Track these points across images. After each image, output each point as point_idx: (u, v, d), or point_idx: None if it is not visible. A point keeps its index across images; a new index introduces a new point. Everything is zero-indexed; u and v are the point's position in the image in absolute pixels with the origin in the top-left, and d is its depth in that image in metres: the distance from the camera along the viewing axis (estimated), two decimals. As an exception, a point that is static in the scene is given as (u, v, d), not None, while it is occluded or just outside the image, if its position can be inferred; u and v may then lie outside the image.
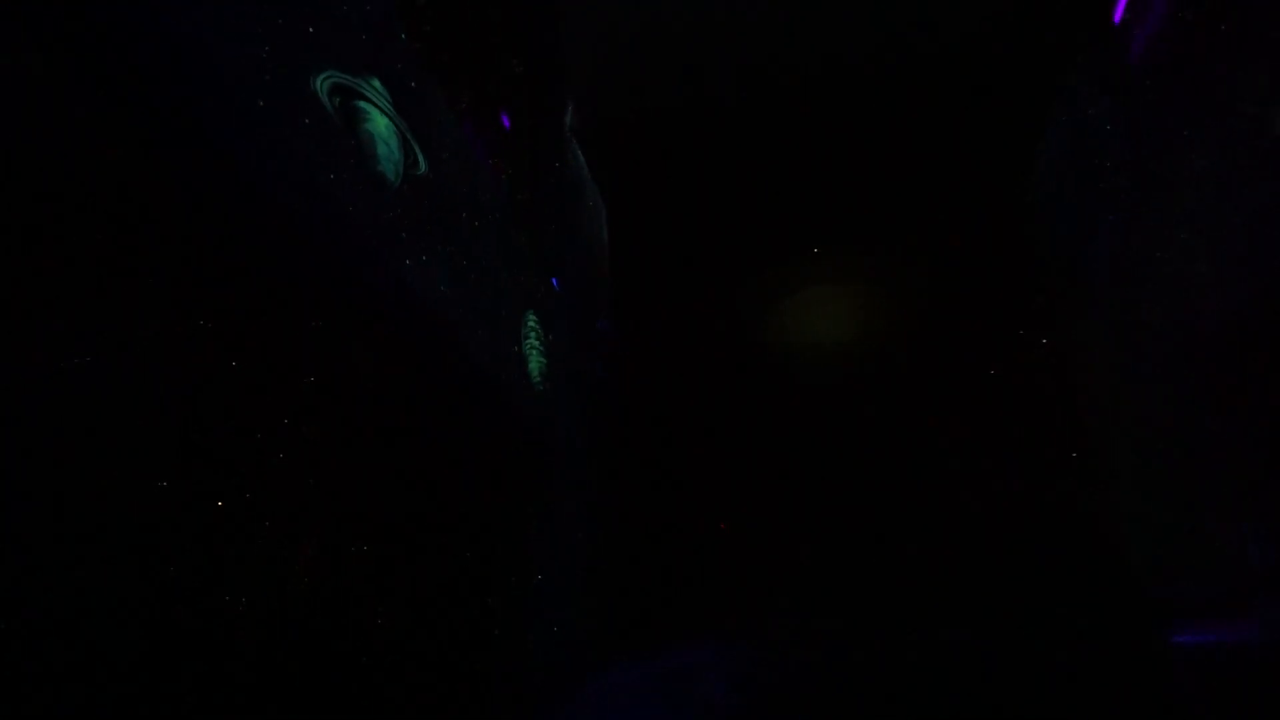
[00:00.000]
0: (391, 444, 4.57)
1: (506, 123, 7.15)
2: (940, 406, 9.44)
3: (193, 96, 2.94)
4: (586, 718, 5.46)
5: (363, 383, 4.36)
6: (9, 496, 2.20)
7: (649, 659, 6.12)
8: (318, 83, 3.70)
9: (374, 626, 4.11)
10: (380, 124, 4.31)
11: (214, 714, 2.82)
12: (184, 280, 3.09)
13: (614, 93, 8.23)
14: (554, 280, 7.27)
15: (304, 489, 3.71)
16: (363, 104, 4.13)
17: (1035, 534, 9.20)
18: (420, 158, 4.68)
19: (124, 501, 2.58)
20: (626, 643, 7.51)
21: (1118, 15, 7.44)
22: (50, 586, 2.27)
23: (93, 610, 2.37)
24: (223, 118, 3.07)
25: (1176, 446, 6.61)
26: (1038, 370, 9.37)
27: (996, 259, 9.26)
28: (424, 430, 4.76)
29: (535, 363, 6.51)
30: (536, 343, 6.58)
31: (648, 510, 8.58)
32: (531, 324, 6.55)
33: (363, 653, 3.98)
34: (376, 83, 4.28)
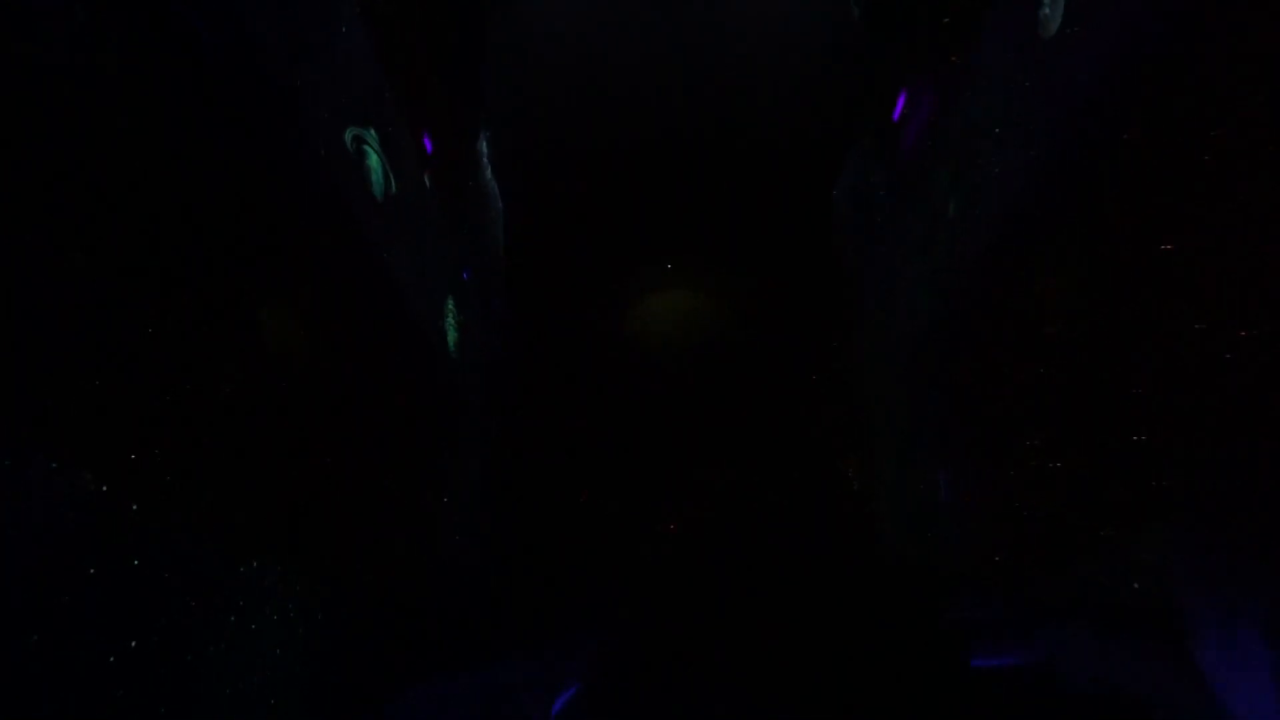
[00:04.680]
0: (360, 386, 6.46)
1: (429, 145, 9.05)
2: (757, 395, 12.01)
3: (284, 140, 4.82)
4: None
5: (346, 339, 6.25)
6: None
7: (469, 671, 5.98)
8: (346, 134, 5.61)
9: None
10: (374, 159, 6.22)
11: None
12: (250, 256, 4.93)
13: (519, 125, 10.34)
14: (465, 272, 9.25)
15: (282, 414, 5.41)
16: (366, 146, 6.03)
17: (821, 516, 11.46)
18: (393, 182, 6.61)
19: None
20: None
21: (896, 115, 10.19)
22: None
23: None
24: (304, 156, 4.97)
25: (909, 420, 9.32)
26: (839, 371, 12.08)
27: (810, 280, 11.93)
28: (385, 376, 6.70)
29: (452, 336, 8.48)
30: (453, 321, 8.55)
31: (528, 459, 10.71)
32: (450, 306, 8.52)
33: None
34: (372, 131, 6.19)
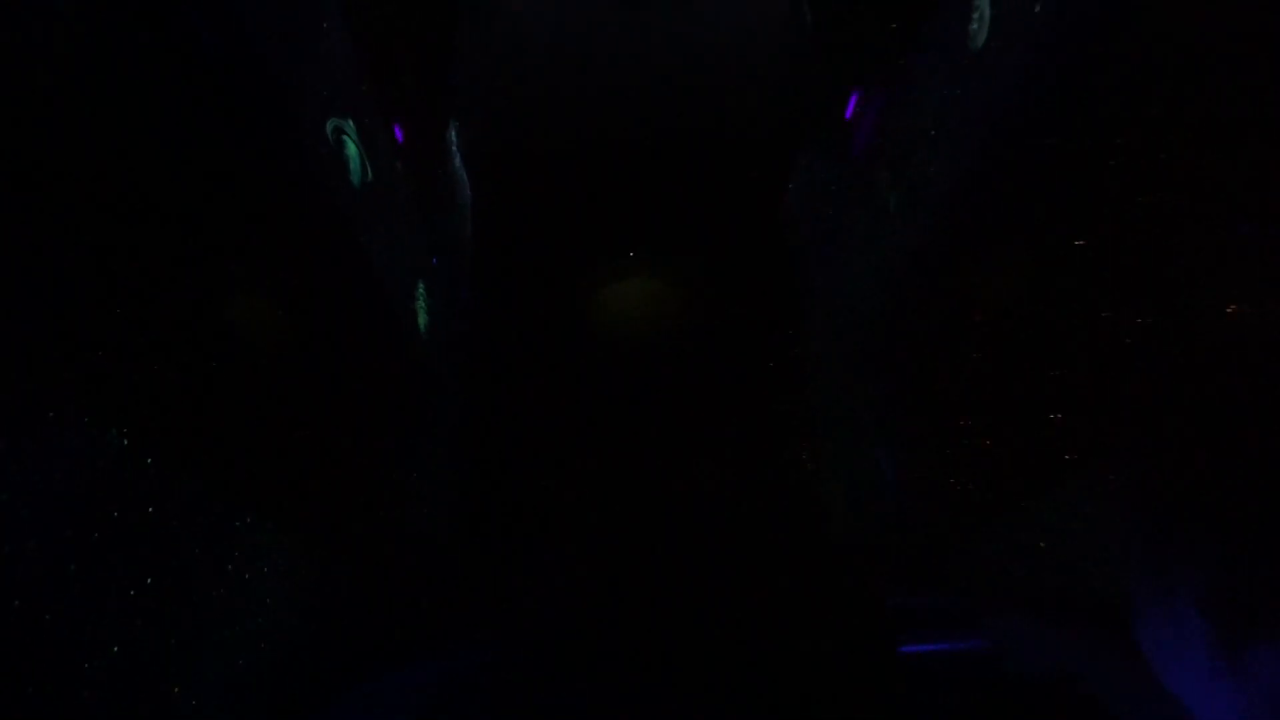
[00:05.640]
0: (339, 364, 6.81)
1: (399, 134, 9.36)
2: (715, 380, 12.49)
3: (268, 129, 5.14)
4: None
5: (326, 319, 6.60)
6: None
7: (415, 665, 5.91)
8: (328, 125, 5.94)
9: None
10: (351, 149, 6.55)
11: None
12: (230, 243, 5.27)
13: (487, 115, 10.69)
14: (434, 259, 9.59)
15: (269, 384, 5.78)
16: (345, 137, 6.36)
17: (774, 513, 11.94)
18: (370, 171, 6.94)
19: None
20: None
21: (848, 114, 10.72)
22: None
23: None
24: (287, 144, 5.30)
25: (855, 408, 9.89)
26: (793, 358, 12.60)
27: (766, 271, 12.43)
28: (362, 352, 7.06)
29: (422, 319, 8.83)
30: (423, 305, 8.90)
31: (492, 441, 11.09)
32: (420, 291, 8.86)
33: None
34: (350, 122, 6.52)
